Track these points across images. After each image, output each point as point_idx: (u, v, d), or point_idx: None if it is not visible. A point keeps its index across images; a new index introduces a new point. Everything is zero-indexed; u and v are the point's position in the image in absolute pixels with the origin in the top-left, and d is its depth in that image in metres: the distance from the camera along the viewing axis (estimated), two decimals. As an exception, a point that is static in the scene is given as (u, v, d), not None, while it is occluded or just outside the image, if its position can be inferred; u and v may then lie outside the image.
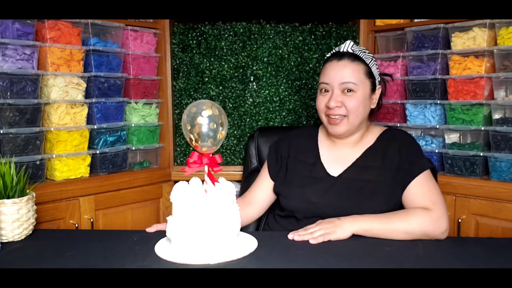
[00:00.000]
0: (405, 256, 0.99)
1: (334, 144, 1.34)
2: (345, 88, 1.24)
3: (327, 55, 1.32)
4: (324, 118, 1.29)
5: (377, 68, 1.31)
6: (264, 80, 1.94)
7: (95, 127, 1.69)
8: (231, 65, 1.94)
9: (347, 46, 1.29)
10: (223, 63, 1.94)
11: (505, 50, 1.57)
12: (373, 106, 1.31)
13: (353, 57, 1.26)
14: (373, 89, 1.29)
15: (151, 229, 1.19)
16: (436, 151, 1.74)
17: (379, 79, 1.32)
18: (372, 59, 1.29)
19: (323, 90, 1.28)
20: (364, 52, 1.29)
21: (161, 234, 1.13)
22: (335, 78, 1.24)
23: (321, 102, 1.28)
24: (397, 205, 1.22)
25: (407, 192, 1.21)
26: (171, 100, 1.95)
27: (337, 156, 1.31)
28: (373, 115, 1.35)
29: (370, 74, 1.27)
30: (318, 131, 1.40)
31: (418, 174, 1.20)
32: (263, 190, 1.39)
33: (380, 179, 1.23)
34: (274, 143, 1.44)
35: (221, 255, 0.98)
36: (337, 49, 1.31)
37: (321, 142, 1.36)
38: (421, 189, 1.19)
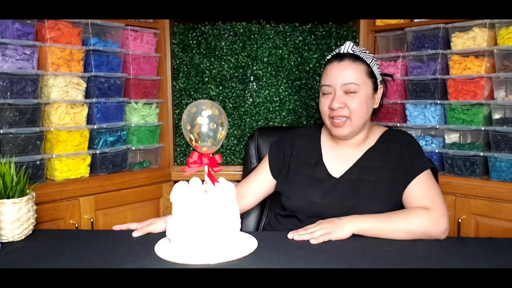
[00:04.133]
0: (405, 256, 0.99)
1: (337, 145, 1.33)
2: (347, 89, 1.23)
3: (328, 57, 1.32)
4: (327, 121, 1.28)
5: (378, 68, 1.31)
6: (264, 80, 1.94)
7: (95, 127, 1.69)
8: (231, 65, 1.94)
9: (347, 47, 1.28)
10: (223, 63, 1.94)
11: (505, 50, 1.57)
12: (376, 106, 1.31)
13: (354, 57, 1.26)
14: (375, 89, 1.29)
15: (117, 227, 1.22)
16: (436, 151, 1.74)
17: (381, 78, 1.32)
18: (372, 59, 1.29)
19: (325, 92, 1.27)
20: (365, 52, 1.29)
21: (161, 234, 1.13)
22: (337, 80, 1.24)
23: (324, 104, 1.27)
24: (398, 205, 1.22)
25: (408, 192, 1.21)
26: (171, 100, 1.95)
27: (339, 157, 1.31)
28: (374, 115, 1.35)
29: (371, 74, 1.27)
30: (321, 132, 1.40)
31: (419, 174, 1.21)
32: (261, 183, 1.39)
33: (381, 180, 1.23)
34: (277, 140, 1.43)
35: (221, 255, 0.98)
36: (337, 50, 1.31)
37: (324, 143, 1.36)
38: (421, 188, 1.19)
